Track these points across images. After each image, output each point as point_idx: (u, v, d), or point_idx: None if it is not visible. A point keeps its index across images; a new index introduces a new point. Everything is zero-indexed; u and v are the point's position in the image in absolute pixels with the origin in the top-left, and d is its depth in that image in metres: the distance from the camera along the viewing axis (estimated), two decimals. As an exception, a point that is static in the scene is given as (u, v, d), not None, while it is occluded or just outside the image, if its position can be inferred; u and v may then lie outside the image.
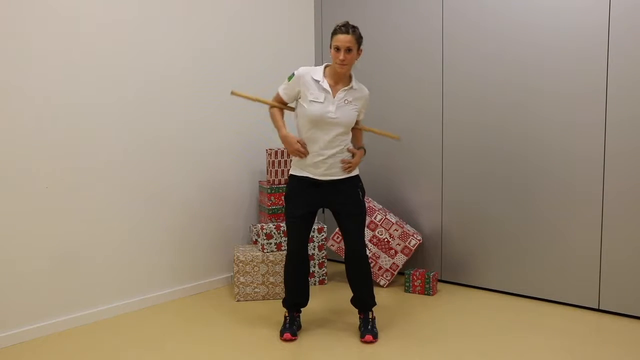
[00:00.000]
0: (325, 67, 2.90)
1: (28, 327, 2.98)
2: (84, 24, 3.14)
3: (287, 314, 3.05)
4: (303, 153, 2.87)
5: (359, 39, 2.80)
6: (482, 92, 3.67)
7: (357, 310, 3.11)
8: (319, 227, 3.91)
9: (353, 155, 2.94)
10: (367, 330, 2.94)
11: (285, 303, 3.08)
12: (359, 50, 2.82)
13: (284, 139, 2.91)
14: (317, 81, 2.84)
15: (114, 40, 3.28)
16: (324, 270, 3.97)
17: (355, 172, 2.98)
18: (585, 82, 3.26)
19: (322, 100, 2.82)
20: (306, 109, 2.84)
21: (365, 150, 3.03)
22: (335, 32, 2.78)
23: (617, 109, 3.17)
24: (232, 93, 3.05)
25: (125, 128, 3.36)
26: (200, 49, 3.74)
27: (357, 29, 2.81)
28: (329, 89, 2.83)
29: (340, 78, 2.86)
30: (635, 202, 3.16)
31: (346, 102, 2.85)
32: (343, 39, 2.74)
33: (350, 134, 2.96)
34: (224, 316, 3.35)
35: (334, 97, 2.83)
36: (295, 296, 3.06)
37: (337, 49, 2.76)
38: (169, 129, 3.58)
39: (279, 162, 3.88)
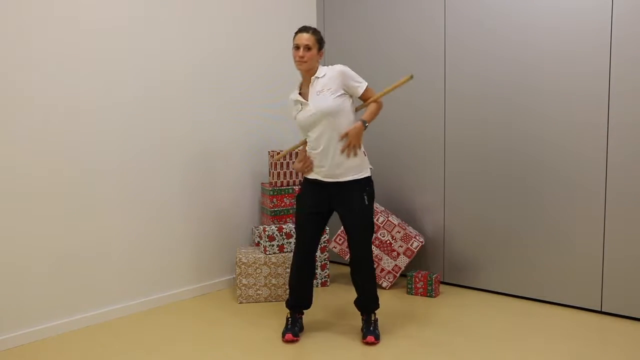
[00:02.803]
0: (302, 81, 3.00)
1: (31, 329, 2.99)
2: (86, 26, 3.15)
3: (289, 315, 3.06)
4: (304, 168, 2.98)
5: (319, 41, 2.90)
6: (485, 94, 3.67)
7: (359, 312, 3.11)
8: (321, 229, 3.91)
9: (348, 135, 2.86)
10: (369, 332, 2.94)
11: (288, 304, 3.09)
12: (320, 51, 2.90)
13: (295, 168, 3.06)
14: (292, 99, 2.96)
15: (117, 42, 3.29)
16: (326, 272, 3.97)
17: (365, 174, 2.93)
18: (587, 84, 3.26)
19: (300, 109, 2.91)
20: (297, 123, 2.97)
21: (364, 123, 2.86)
22: (296, 33, 2.90)
23: (619, 111, 3.17)
24: (275, 159, 3.38)
25: (127, 130, 3.37)
26: (203, 51, 3.75)
27: (319, 32, 2.93)
28: (299, 97, 2.92)
29: (309, 79, 2.91)
30: (637, 204, 3.15)
31: (318, 93, 2.87)
32: (301, 36, 2.86)
33: (344, 123, 2.86)
34: (227, 318, 3.35)
35: (307, 99, 2.89)
36: (298, 297, 3.06)
37: (297, 47, 2.85)
38: (171, 131, 3.59)
39: (281, 164, 3.89)
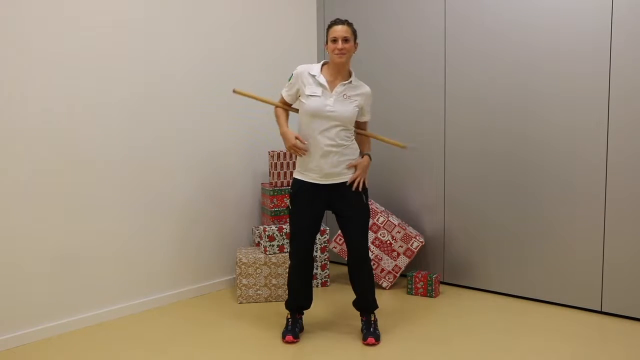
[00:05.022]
0: (323, 64, 2.94)
1: (30, 329, 2.99)
2: (86, 24, 3.15)
3: (289, 316, 3.06)
4: (301, 149, 2.87)
5: (354, 32, 2.90)
6: (485, 94, 3.67)
7: (359, 313, 3.11)
8: (321, 230, 3.91)
9: (356, 168, 2.91)
10: (370, 333, 2.94)
11: (288, 305, 3.08)
12: (355, 43, 2.90)
13: (283, 134, 2.95)
14: (314, 76, 2.89)
15: (117, 41, 3.29)
16: (326, 273, 3.97)
17: None
18: (587, 85, 3.26)
19: (319, 94, 2.85)
20: (305, 103, 2.88)
21: (370, 157, 2.98)
22: (330, 25, 2.89)
23: (619, 112, 3.17)
24: (234, 91, 3.10)
25: (127, 129, 3.37)
26: (203, 50, 3.75)
27: (352, 24, 2.92)
28: (325, 83, 2.87)
29: (339, 72, 2.89)
30: (637, 204, 3.15)
31: (345, 96, 2.87)
32: (340, 29, 2.84)
33: (352, 135, 2.94)
34: (227, 318, 3.35)
35: (331, 91, 2.86)
36: (298, 298, 3.06)
37: (334, 40, 2.84)
38: (171, 130, 3.59)
39: (282, 164, 3.89)
